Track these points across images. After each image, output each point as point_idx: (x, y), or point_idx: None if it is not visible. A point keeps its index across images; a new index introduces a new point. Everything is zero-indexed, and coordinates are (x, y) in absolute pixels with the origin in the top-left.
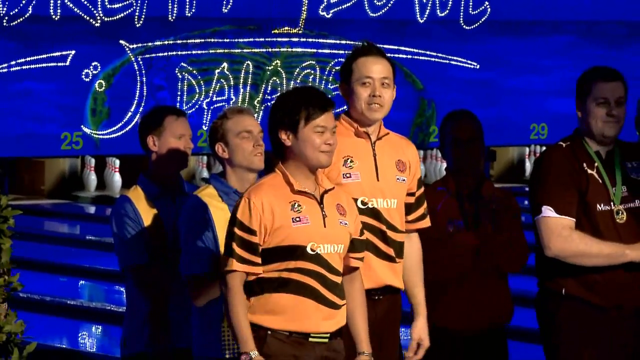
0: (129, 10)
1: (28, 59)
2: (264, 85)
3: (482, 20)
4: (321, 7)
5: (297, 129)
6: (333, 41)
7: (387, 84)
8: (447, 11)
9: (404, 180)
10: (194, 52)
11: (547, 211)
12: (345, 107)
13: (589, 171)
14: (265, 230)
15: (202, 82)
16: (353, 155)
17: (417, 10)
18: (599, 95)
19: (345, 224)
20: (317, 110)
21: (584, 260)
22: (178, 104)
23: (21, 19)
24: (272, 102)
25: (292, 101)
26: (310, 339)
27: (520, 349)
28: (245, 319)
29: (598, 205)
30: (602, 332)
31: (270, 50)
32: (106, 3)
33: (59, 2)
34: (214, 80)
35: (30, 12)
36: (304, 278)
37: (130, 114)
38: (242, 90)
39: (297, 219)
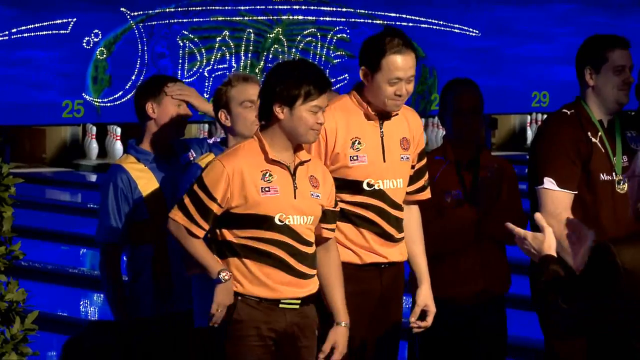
0: None
1: (29, 26)
2: (265, 53)
3: None
4: None
5: (293, 105)
6: (334, 9)
7: (412, 79)
8: None
9: (407, 158)
10: (195, 19)
11: (549, 183)
12: (346, 75)
13: (593, 139)
14: (232, 196)
15: (203, 49)
16: (361, 136)
17: None
18: (618, 63)
19: (318, 196)
20: (316, 91)
21: None
22: (179, 71)
23: None
24: (270, 70)
25: (293, 77)
26: (281, 305)
27: (518, 317)
28: (204, 248)
29: (601, 175)
30: None
31: (271, 18)
32: None
33: None
34: (216, 48)
35: None
36: (273, 248)
37: (131, 81)
38: (243, 58)
39: (267, 189)
